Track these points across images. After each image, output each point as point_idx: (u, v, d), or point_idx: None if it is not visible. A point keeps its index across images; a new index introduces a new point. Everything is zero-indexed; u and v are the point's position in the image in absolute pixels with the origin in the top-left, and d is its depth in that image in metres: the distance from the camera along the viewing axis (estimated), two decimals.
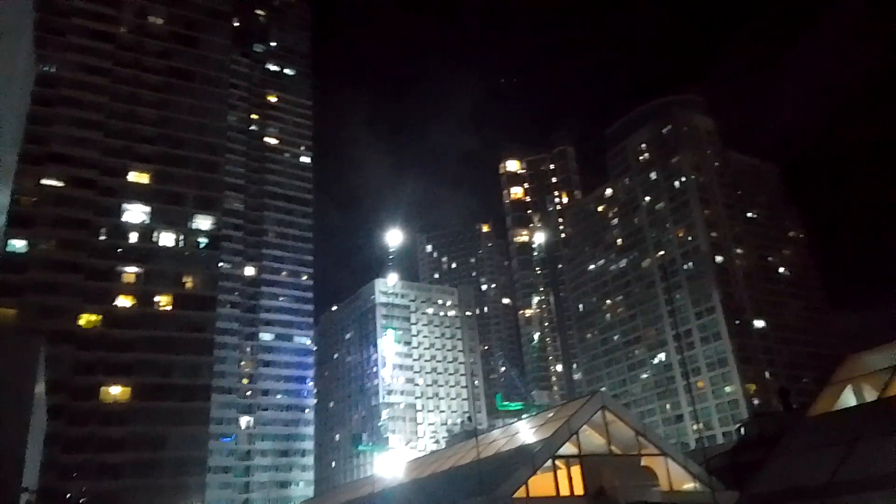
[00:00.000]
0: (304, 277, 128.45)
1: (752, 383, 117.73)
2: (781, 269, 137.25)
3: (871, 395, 17.97)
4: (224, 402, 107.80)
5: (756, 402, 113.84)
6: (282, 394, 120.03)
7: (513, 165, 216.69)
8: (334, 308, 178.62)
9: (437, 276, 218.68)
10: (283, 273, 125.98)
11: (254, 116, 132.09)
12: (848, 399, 18.95)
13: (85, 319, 78.71)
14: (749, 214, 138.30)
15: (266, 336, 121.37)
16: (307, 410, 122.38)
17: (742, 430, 46.35)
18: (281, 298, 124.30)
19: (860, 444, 15.17)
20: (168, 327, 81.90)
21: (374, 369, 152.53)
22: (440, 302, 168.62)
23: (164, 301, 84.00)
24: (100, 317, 79.39)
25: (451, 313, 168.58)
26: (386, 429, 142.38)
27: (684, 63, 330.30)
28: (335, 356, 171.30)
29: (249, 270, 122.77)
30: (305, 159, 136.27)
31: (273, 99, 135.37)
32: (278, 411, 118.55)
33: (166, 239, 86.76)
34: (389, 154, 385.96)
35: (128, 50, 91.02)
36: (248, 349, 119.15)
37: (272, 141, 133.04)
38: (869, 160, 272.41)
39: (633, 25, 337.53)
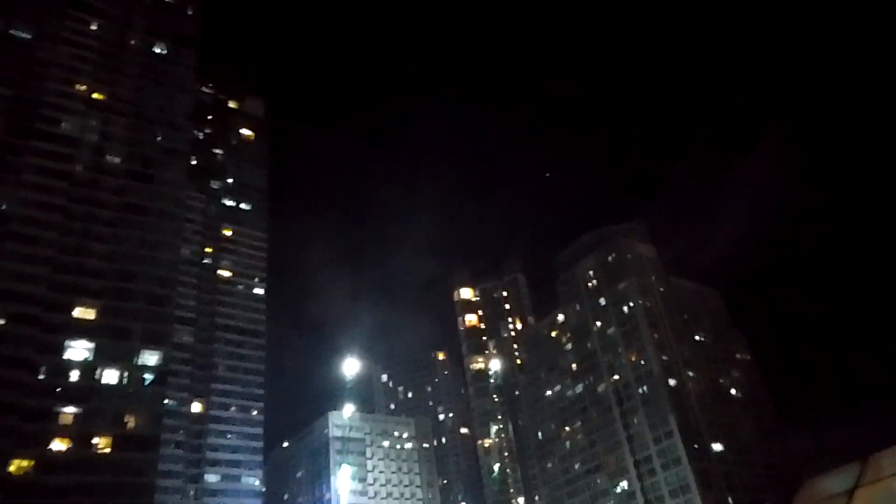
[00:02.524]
0: (255, 413, 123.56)
1: None
2: (733, 391, 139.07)
3: None
4: None
5: None
6: None
7: (466, 293, 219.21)
8: (285, 444, 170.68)
9: (393, 406, 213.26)
10: (233, 409, 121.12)
11: (208, 249, 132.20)
12: None
13: (16, 465, 73.36)
14: (697, 338, 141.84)
15: (212, 477, 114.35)
16: None
17: None
18: (229, 436, 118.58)
19: None
20: (105, 471, 76.79)
21: None
22: (397, 434, 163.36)
23: (102, 443, 79.33)
24: (32, 462, 74.15)
25: (408, 445, 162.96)
26: None
27: (626, 192, 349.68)
28: (286, 496, 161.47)
29: (196, 407, 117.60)
30: (259, 290, 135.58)
31: (228, 233, 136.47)
32: None
33: (109, 376, 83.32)
34: (345, 283, 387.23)
35: (82, 186, 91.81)
36: (192, 492, 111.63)
37: (226, 273, 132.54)
38: (808, 279, 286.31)
39: (580, 156, 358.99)
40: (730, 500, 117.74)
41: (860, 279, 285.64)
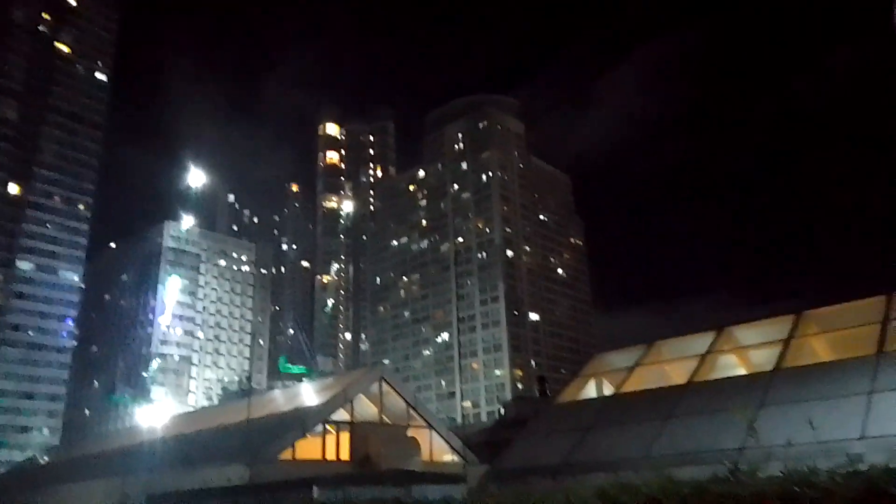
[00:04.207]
0: (81, 207, 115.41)
1: (519, 369, 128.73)
2: (559, 271, 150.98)
3: (609, 390, 20.57)
4: None
5: (520, 386, 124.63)
6: (35, 331, 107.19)
7: (332, 129, 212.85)
8: (113, 245, 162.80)
9: (236, 228, 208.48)
10: (56, 198, 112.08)
11: (45, 16, 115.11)
12: (590, 391, 21.51)
13: None
14: (541, 217, 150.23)
15: (25, 265, 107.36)
16: (63, 352, 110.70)
17: (503, 410, 50.66)
18: (49, 225, 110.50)
19: (592, 431, 17.34)
20: None
21: (151, 317, 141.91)
22: (235, 255, 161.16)
23: None
24: None
25: (245, 269, 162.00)
26: (153, 380, 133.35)
27: (508, 67, 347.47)
28: (107, 298, 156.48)
29: (13, 189, 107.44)
30: (102, 76, 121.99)
31: (73, 2, 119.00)
32: (28, 349, 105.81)
33: None
34: (206, 95, 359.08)
35: None
36: (1, 277, 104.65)
37: (65, 49, 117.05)
38: (649, 190, 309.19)
39: (470, 22, 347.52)
40: (533, 362, 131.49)
41: (698, 194, 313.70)
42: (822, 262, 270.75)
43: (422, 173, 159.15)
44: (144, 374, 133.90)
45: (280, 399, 39.19)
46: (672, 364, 19.22)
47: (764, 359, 16.67)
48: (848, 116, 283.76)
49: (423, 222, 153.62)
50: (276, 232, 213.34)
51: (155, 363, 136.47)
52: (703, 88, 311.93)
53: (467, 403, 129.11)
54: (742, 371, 17.78)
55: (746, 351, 18.24)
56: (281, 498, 16.55)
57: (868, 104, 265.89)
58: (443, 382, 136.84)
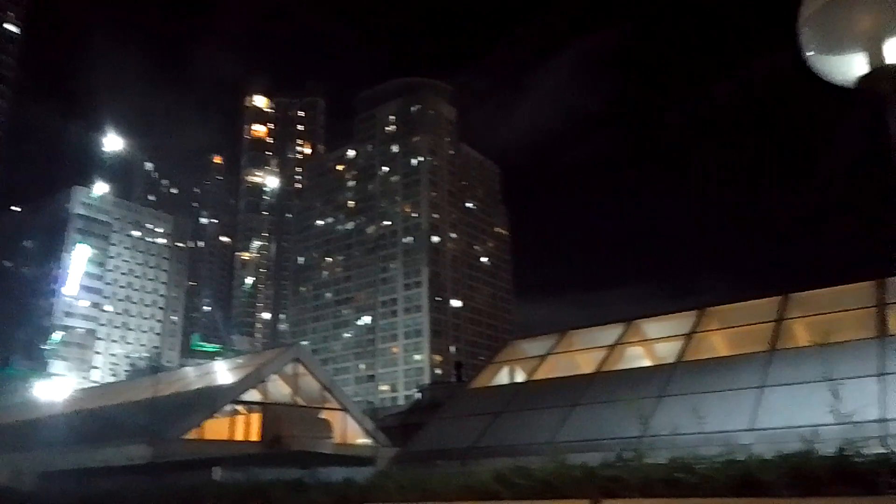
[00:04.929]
0: None
1: (438, 355, 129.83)
2: (483, 259, 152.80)
3: (521, 377, 20.97)
4: None
5: (439, 371, 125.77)
6: None
7: (260, 101, 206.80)
8: (16, 209, 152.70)
9: (153, 198, 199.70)
10: None
11: None
12: (503, 378, 21.86)
13: None
14: (468, 204, 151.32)
15: None
16: None
17: (420, 394, 50.98)
18: None
19: (502, 417, 17.65)
20: None
21: (54, 286, 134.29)
22: (150, 227, 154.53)
23: None
24: None
25: (161, 241, 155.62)
26: (54, 353, 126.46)
27: (444, 53, 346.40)
28: (8, 265, 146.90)
29: None
30: (13, 28, 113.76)
31: None
32: None
33: None
34: (128, 56, 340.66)
35: None
36: None
37: None
38: (574, 182, 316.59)
39: (409, 1, 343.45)
40: (453, 348, 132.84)
41: (620, 188, 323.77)
42: (730, 260, 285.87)
43: (351, 153, 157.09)
44: (43, 346, 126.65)
45: (190, 377, 37.97)
46: (582, 353, 19.78)
47: (667, 352, 17.39)
48: (758, 124, 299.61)
49: (350, 203, 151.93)
50: (195, 205, 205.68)
51: (57, 335, 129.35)
52: (633, 85, 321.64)
53: (385, 387, 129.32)
54: (647, 363, 18.50)
55: (652, 344, 18.97)
56: (181, 478, 16.06)
57: (777, 115, 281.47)
58: (362, 365, 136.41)
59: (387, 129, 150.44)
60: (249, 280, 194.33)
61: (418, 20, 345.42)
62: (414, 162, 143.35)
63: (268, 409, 30.36)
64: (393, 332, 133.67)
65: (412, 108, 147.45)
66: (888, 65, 5.04)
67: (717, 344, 17.36)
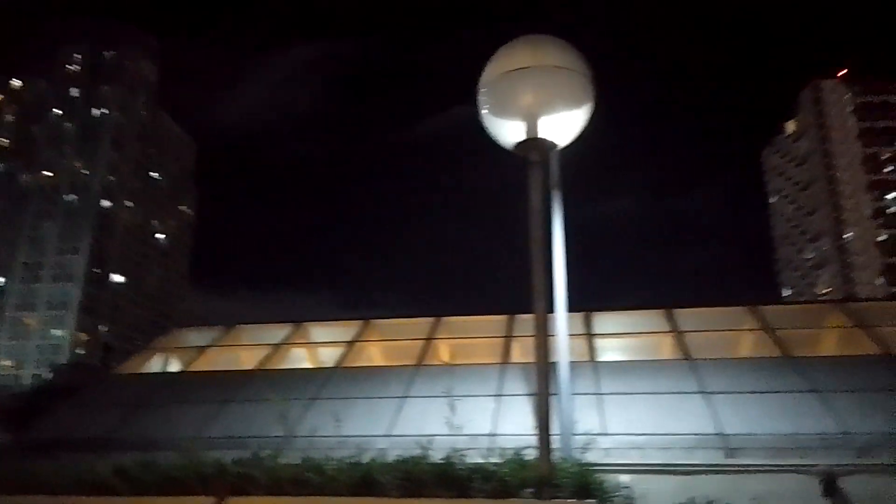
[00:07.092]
0: None
1: (85, 333, 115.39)
2: (160, 236, 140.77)
3: (176, 367, 19.80)
4: None
5: (81, 352, 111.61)
6: None
7: None
8: None
9: None
10: None
11: None
12: (156, 366, 20.37)
13: None
14: (154, 174, 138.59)
15: None
16: None
17: (52, 375, 44.82)
18: None
19: (147, 408, 16.43)
20: None
21: None
22: None
23: None
24: None
25: None
26: None
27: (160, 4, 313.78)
28: None
29: None
30: None
31: None
32: None
33: None
34: None
35: None
36: None
37: None
38: (279, 181, 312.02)
39: None
40: (104, 328, 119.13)
41: (327, 197, 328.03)
42: (402, 281, 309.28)
43: (17, 83, 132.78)
44: None
45: None
46: (246, 350, 19.51)
47: (329, 356, 18.09)
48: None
49: (3, 140, 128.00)
50: None
51: None
52: (351, 96, 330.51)
53: (8, 362, 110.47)
54: (309, 365, 19.00)
55: (316, 347, 19.58)
56: None
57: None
58: None
59: (69, 66, 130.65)
60: None
61: None
62: (96, 113, 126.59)
63: None
64: (31, 300, 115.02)
65: (105, 53, 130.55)
66: (539, 138, 6.13)
67: (375, 354, 18.64)
